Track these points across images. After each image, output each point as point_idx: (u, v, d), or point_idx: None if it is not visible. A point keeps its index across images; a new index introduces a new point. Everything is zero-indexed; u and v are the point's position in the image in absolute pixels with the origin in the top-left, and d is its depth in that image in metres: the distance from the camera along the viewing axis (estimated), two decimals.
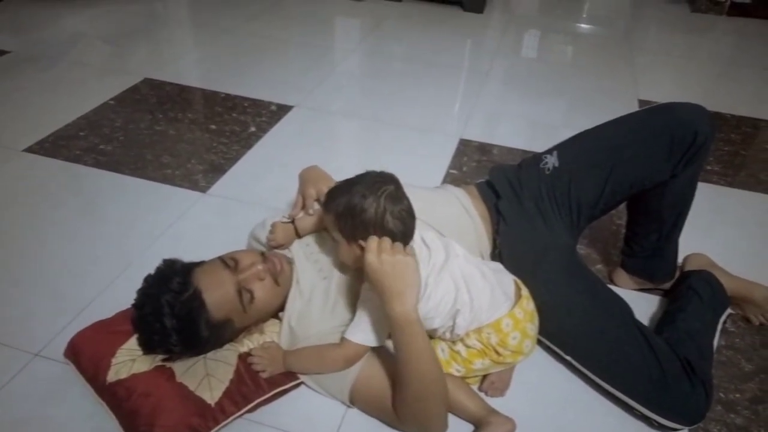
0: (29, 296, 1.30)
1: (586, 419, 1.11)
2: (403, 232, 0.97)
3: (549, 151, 1.31)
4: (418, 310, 0.94)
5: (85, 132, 1.93)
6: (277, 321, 1.17)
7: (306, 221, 1.20)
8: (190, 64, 2.55)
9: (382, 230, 0.96)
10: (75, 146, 1.85)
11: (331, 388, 1.08)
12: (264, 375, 1.08)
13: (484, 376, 1.14)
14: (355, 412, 1.08)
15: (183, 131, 1.98)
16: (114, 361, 1.07)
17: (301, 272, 1.15)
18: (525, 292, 1.11)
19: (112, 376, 1.06)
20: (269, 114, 2.12)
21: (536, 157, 1.32)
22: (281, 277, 1.11)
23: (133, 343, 1.08)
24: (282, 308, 1.15)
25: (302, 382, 1.11)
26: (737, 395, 1.17)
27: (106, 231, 1.49)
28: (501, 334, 1.05)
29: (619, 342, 1.10)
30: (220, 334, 1.07)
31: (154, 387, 1.03)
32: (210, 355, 1.09)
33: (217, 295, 1.02)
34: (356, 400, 1.06)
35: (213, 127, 2.03)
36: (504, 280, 1.11)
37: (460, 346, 1.08)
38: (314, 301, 1.11)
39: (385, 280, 0.92)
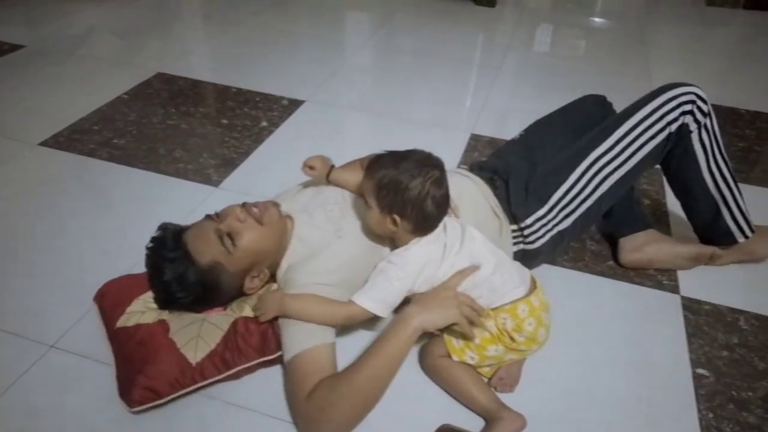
0: (44, 288, 1.32)
1: (595, 415, 1.11)
2: (436, 216, 1.04)
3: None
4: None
5: (99, 126, 1.95)
6: (274, 285, 1.20)
7: (340, 174, 1.25)
8: (202, 59, 2.56)
9: (419, 211, 1.01)
10: (89, 140, 1.87)
11: (288, 338, 1.06)
12: (261, 318, 1.10)
13: (493, 374, 1.14)
14: None
15: (195, 125, 2.00)
16: (128, 309, 1.16)
17: (310, 229, 1.18)
18: (540, 284, 1.12)
19: (121, 323, 1.14)
20: (281, 108, 2.13)
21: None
22: (265, 218, 1.14)
23: (149, 295, 1.17)
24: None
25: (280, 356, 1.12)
26: (750, 393, 1.17)
27: (119, 224, 1.50)
28: (517, 319, 1.07)
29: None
30: (214, 278, 1.11)
31: (149, 338, 1.10)
32: (209, 318, 1.14)
33: (199, 242, 1.11)
34: (292, 365, 1.04)
35: (225, 121, 2.04)
36: (521, 270, 1.14)
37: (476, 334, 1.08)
38: (323, 255, 1.13)
39: (432, 304, 1.04)
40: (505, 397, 1.10)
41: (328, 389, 0.98)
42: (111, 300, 1.19)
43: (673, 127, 1.28)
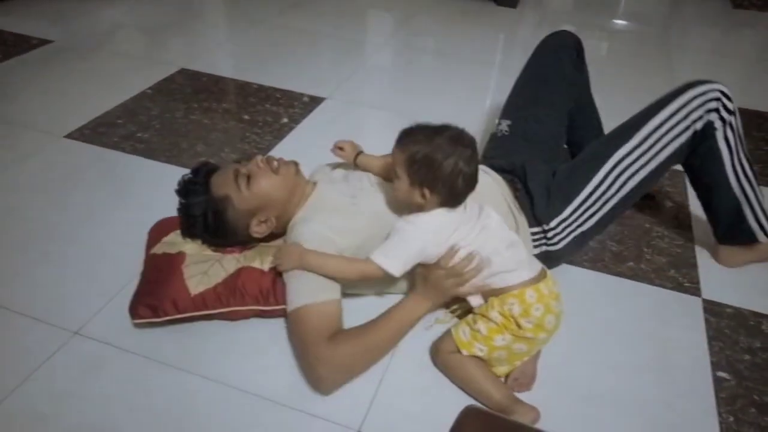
0: (68, 277, 1.34)
1: (614, 418, 1.10)
2: (464, 192, 1.07)
3: (498, 122, 1.56)
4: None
5: (123, 120, 1.98)
6: None
7: (367, 158, 1.31)
8: (225, 55, 2.59)
9: (450, 187, 1.05)
10: (113, 133, 1.90)
11: (299, 287, 1.13)
12: (280, 268, 1.15)
13: (508, 374, 1.14)
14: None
15: (217, 121, 2.02)
16: (164, 239, 1.30)
17: (330, 192, 1.26)
18: (551, 275, 1.13)
19: (154, 250, 1.29)
20: (302, 105, 2.15)
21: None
22: (282, 170, 1.23)
23: None
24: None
25: (278, 310, 1.20)
26: None
27: (142, 216, 1.52)
28: (524, 304, 1.07)
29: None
30: (222, 210, 1.21)
31: (166, 265, 1.23)
32: (223, 259, 1.24)
33: (219, 178, 1.23)
34: (294, 318, 1.12)
35: (246, 117, 2.06)
36: (532, 259, 1.15)
37: (480, 324, 1.09)
38: (335, 216, 1.20)
39: (437, 291, 1.12)
40: (524, 398, 1.10)
41: (354, 342, 1.09)
42: (156, 231, 1.35)
43: (699, 125, 1.26)
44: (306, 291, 1.12)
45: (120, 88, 2.18)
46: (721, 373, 1.19)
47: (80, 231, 1.48)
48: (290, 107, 2.13)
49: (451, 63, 2.58)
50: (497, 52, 2.82)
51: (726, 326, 1.31)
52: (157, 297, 1.17)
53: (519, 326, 1.07)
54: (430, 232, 1.08)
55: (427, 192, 1.06)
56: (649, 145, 1.27)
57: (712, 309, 1.35)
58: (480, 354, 1.10)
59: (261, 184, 1.20)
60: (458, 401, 1.10)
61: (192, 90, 2.22)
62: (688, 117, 1.26)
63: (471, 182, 1.06)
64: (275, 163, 1.24)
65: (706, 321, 1.31)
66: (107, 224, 1.51)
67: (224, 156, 1.82)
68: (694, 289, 1.40)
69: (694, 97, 1.26)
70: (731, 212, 1.37)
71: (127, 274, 1.33)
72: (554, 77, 1.54)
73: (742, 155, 1.32)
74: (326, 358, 1.07)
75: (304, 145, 1.90)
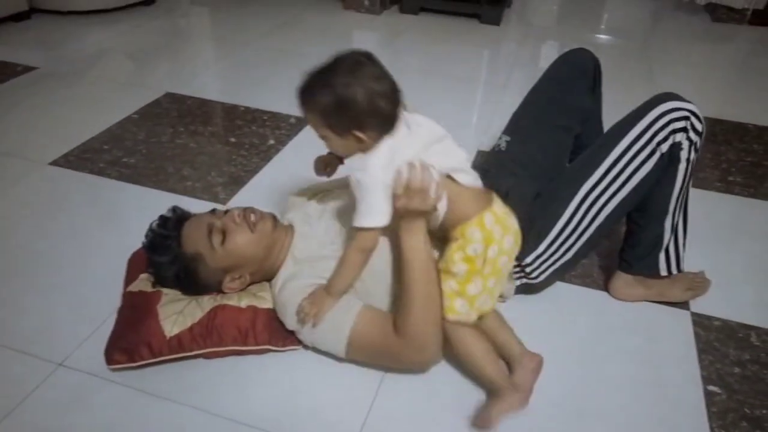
0: (52, 307, 1.32)
1: (602, 430, 1.10)
2: (393, 110, 0.99)
3: (500, 136, 1.48)
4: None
5: (109, 145, 1.98)
6: (266, 284, 1.26)
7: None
8: (211, 78, 2.60)
9: (375, 115, 0.97)
10: (99, 159, 1.89)
11: (326, 343, 1.14)
12: (317, 316, 1.11)
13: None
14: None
15: (203, 144, 2.02)
16: (142, 275, 1.27)
17: (306, 241, 1.24)
18: (495, 195, 1.13)
19: (131, 287, 1.26)
20: (288, 126, 2.15)
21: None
22: (258, 226, 1.19)
23: None
24: (273, 273, 1.24)
25: (257, 350, 1.18)
26: (763, 411, 1.15)
27: (128, 242, 1.50)
28: (485, 230, 1.05)
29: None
30: (194, 268, 1.17)
31: (141, 305, 1.20)
32: (200, 298, 1.21)
33: (191, 230, 1.18)
34: (352, 349, 1.13)
35: (233, 139, 2.06)
36: (475, 174, 1.13)
37: (449, 283, 1.08)
38: (317, 267, 1.18)
39: (414, 217, 1.05)
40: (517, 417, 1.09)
41: (408, 313, 1.07)
42: (134, 265, 1.32)
43: (664, 147, 1.18)
44: (340, 322, 1.11)
45: (106, 113, 2.17)
46: (711, 387, 1.19)
47: (66, 259, 1.47)
48: (277, 129, 2.13)
49: (437, 81, 2.60)
50: (482, 69, 2.85)
51: (715, 339, 1.31)
52: (131, 340, 1.14)
53: (484, 261, 1.05)
54: (379, 168, 1.01)
55: (358, 133, 0.99)
56: (614, 175, 1.22)
57: (701, 322, 1.35)
58: (462, 311, 1.08)
59: (237, 242, 1.16)
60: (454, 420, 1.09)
61: (178, 114, 2.22)
62: (654, 139, 1.18)
63: (393, 97, 0.98)
64: (252, 218, 1.19)
65: (696, 334, 1.32)
66: (93, 251, 1.49)
67: (210, 179, 1.81)
68: (683, 303, 1.40)
69: (660, 115, 1.18)
70: (652, 241, 1.30)
71: (113, 301, 1.31)
72: (564, 101, 1.45)
73: (688, 184, 1.25)
74: (408, 346, 1.08)
75: (290, 167, 1.90)
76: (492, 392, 1.10)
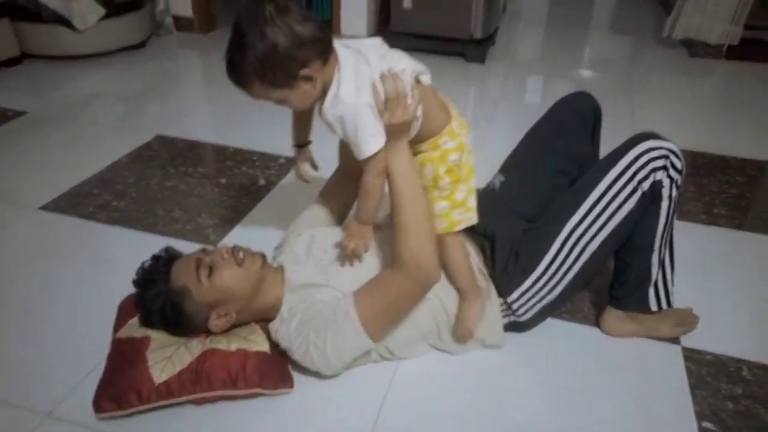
0: (41, 355, 1.31)
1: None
2: (319, 31, 0.96)
3: (495, 174, 1.54)
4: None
5: (99, 189, 1.98)
6: (256, 327, 1.26)
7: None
8: (201, 120, 2.62)
9: (304, 46, 0.94)
10: (89, 203, 1.89)
11: (348, 345, 1.16)
12: (365, 245, 1.19)
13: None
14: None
15: (194, 186, 2.03)
16: (131, 321, 1.26)
17: (298, 275, 1.26)
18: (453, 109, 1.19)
19: (119, 333, 1.25)
20: (278, 167, 2.17)
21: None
22: (246, 263, 1.20)
23: None
24: (261, 313, 1.25)
25: (248, 394, 1.17)
26: None
27: (117, 287, 1.50)
28: (456, 137, 1.15)
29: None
30: (180, 302, 1.16)
31: (130, 351, 1.19)
32: (189, 343, 1.20)
33: (179, 267, 1.20)
34: (373, 328, 1.16)
35: (223, 180, 2.07)
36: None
37: (440, 204, 1.18)
38: (313, 298, 1.21)
39: (393, 134, 1.06)
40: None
41: (406, 238, 1.11)
42: (124, 311, 1.31)
43: (646, 185, 1.20)
44: (343, 321, 1.14)
45: (96, 157, 2.18)
46: (706, 424, 1.19)
47: (54, 305, 1.45)
48: (267, 169, 2.15)
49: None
50: (469, 107, 2.90)
51: (707, 373, 1.31)
52: (120, 387, 1.14)
53: (460, 167, 1.16)
54: (353, 93, 1.00)
55: (305, 71, 0.97)
56: (597, 213, 1.23)
57: (691, 357, 1.35)
58: (463, 217, 1.19)
59: (223, 277, 1.17)
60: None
61: (168, 156, 2.23)
62: (635, 177, 1.20)
63: (304, 17, 0.95)
64: (240, 254, 1.20)
65: (687, 369, 1.32)
66: (82, 296, 1.48)
67: (200, 221, 1.82)
68: (674, 338, 1.40)
69: (640, 155, 1.20)
70: (640, 277, 1.31)
71: (102, 348, 1.29)
72: (562, 146, 1.46)
73: (671, 220, 1.26)
74: (410, 271, 1.13)
75: (281, 206, 1.91)
76: (462, 295, 1.25)
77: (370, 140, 1.04)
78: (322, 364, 1.17)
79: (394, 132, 1.05)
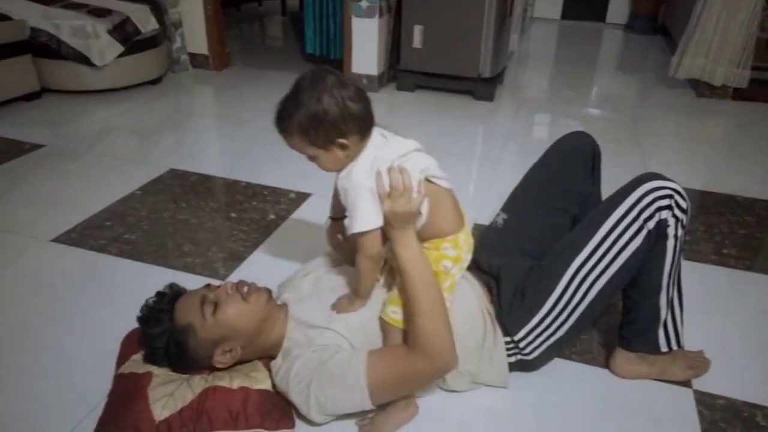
0: (49, 388, 1.30)
1: None
2: (366, 111, 1.05)
3: (498, 213, 1.56)
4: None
5: (111, 222, 2.01)
6: (259, 363, 1.26)
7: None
8: (213, 155, 2.67)
9: (350, 118, 1.02)
10: (100, 236, 1.92)
11: (349, 405, 1.14)
12: (355, 307, 1.21)
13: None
14: None
15: (204, 220, 2.05)
16: (134, 356, 1.26)
17: (302, 311, 1.26)
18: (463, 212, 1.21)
19: (122, 369, 1.25)
20: (288, 201, 2.19)
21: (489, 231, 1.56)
22: (251, 297, 1.20)
23: None
24: (265, 350, 1.25)
25: None
26: None
27: (126, 320, 1.50)
28: (458, 248, 1.17)
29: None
30: (184, 340, 1.17)
31: (131, 387, 1.18)
32: (191, 380, 1.20)
33: (184, 304, 1.20)
34: (377, 395, 1.13)
35: (233, 215, 2.09)
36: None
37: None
38: (316, 339, 1.20)
39: (397, 223, 1.08)
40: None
41: (418, 325, 1.10)
42: (127, 346, 1.31)
43: (651, 224, 1.20)
44: (352, 380, 1.12)
45: (109, 189, 2.22)
46: None
47: (63, 338, 1.46)
48: (277, 203, 2.17)
49: (433, 156, 2.66)
50: (477, 143, 2.93)
51: (720, 419, 1.28)
52: (120, 425, 1.13)
53: (448, 275, 1.17)
54: (361, 173, 1.07)
55: (341, 141, 1.04)
56: (604, 251, 1.23)
57: (704, 401, 1.33)
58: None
59: (227, 313, 1.17)
60: None
61: (181, 189, 2.27)
62: (640, 216, 1.21)
63: (360, 96, 1.04)
64: (245, 289, 1.21)
65: (699, 414, 1.29)
66: (89, 331, 1.49)
67: (210, 255, 1.83)
68: (685, 381, 1.38)
69: (645, 194, 1.21)
70: (649, 317, 1.30)
71: (105, 384, 1.29)
72: (562, 185, 1.49)
73: (678, 260, 1.26)
74: (426, 357, 1.10)
75: (290, 241, 1.93)
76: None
77: (359, 219, 1.09)
78: (317, 414, 1.15)
79: (397, 220, 1.08)
